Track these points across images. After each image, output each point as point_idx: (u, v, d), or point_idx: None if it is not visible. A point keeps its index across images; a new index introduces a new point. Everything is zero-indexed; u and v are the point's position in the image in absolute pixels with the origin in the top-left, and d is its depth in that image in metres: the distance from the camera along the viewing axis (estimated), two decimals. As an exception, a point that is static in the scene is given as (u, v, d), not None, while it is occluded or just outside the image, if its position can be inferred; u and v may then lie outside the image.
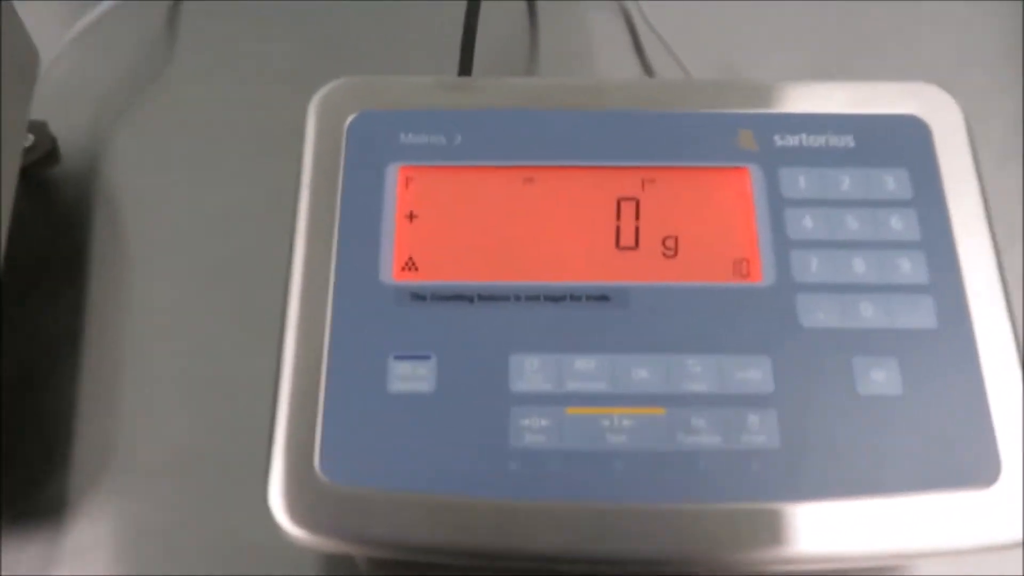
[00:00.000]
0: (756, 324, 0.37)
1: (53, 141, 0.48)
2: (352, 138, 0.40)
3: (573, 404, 0.36)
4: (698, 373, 0.36)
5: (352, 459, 0.35)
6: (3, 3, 0.40)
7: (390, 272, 0.38)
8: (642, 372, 0.36)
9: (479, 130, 0.40)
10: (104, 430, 0.43)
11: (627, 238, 0.39)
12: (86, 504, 0.42)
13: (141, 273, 0.47)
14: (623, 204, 0.39)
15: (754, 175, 0.39)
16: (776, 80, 0.42)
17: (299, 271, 0.38)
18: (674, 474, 0.35)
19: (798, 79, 0.42)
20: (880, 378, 0.36)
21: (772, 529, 0.34)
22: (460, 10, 0.48)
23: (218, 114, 0.52)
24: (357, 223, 0.38)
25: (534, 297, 0.37)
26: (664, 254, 0.38)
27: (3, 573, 0.40)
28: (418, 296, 0.37)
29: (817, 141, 0.40)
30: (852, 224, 0.39)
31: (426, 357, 0.36)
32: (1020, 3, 0.56)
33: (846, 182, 0.39)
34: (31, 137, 0.47)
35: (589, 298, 0.37)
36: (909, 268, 0.38)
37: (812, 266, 0.38)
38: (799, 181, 0.39)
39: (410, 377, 0.36)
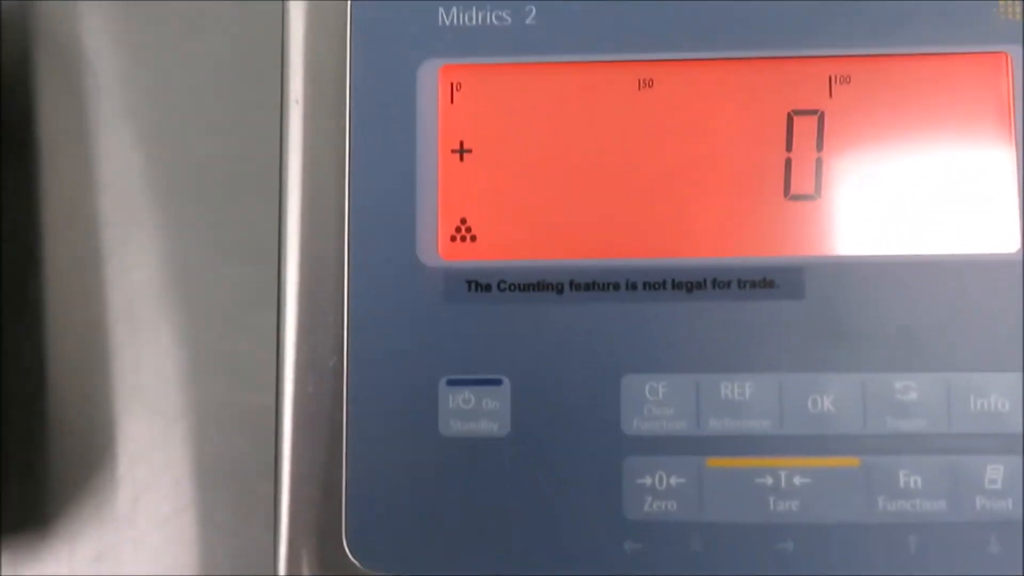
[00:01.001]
0: (1009, 320, 0.24)
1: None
2: (361, 22, 0.25)
3: (719, 452, 0.24)
4: (912, 403, 0.24)
5: (393, 537, 0.24)
6: None
7: (433, 246, 0.25)
8: (826, 402, 0.24)
9: (565, 4, 0.25)
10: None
11: (803, 181, 0.24)
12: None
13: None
14: (797, 121, 0.25)
15: (1018, 63, 0.24)
16: None
17: (294, 252, 0.25)
18: (873, 557, 0.23)
19: None
20: None
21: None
22: None
23: None
24: (376, 166, 0.25)
25: (656, 284, 0.24)
26: (862, 206, 0.24)
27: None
28: (478, 284, 0.24)
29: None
30: None
31: (495, 382, 0.24)
32: None
33: None
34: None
35: (743, 284, 0.24)
36: None
37: (1106, 225, 0.24)
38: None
39: (472, 413, 0.24)
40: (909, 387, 0.24)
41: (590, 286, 0.24)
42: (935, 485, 0.23)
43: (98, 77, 0.33)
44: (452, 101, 0.25)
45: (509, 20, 0.25)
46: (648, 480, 0.24)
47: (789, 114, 0.24)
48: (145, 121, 0.32)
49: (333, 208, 0.25)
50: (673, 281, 0.24)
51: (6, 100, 0.35)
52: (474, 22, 0.25)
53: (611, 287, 0.24)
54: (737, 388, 0.24)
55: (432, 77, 0.25)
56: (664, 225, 0.24)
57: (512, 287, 0.24)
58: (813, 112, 0.24)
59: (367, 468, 0.24)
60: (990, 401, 0.24)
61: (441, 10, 0.25)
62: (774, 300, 0.24)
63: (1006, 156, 0.24)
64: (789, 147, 0.24)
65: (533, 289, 0.24)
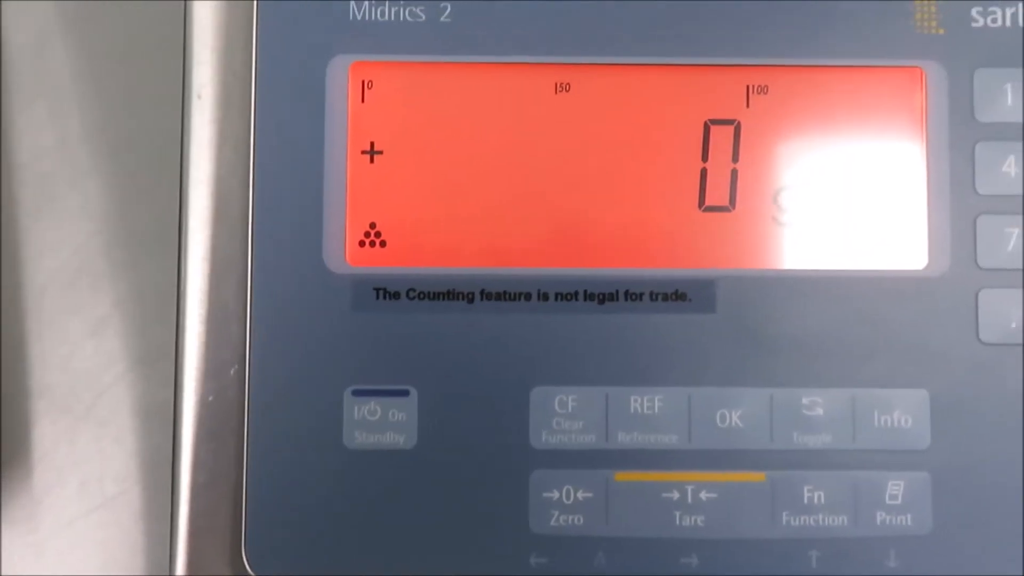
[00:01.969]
0: (915, 337, 0.24)
1: None
2: (269, 14, 0.24)
3: (627, 467, 0.24)
4: (818, 418, 0.24)
5: (293, 548, 0.23)
6: None
7: (341, 251, 0.24)
8: (734, 416, 0.24)
9: (481, 2, 0.24)
10: None
11: (718, 192, 0.24)
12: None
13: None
14: (714, 131, 0.24)
15: (932, 78, 0.24)
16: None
17: (196, 253, 0.24)
18: (776, 572, 0.23)
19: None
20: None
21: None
22: None
23: None
24: (281, 167, 0.24)
25: (568, 295, 0.24)
26: (776, 219, 0.24)
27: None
28: (387, 292, 0.24)
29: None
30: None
31: (402, 393, 0.24)
32: None
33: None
34: None
35: (655, 296, 0.24)
36: None
37: (1012, 245, 0.24)
38: (1005, 92, 0.24)
39: (377, 424, 0.24)
40: (816, 402, 0.24)
41: (501, 296, 0.24)
42: (838, 500, 0.24)
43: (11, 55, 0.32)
44: (363, 100, 0.24)
45: (423, 17, 0.24)
46: (555, 494, 0.24)
47: (706, 123, 0.24)
48: (58, 101, 0.31)
49: (237, 209, 0.24)
50: (585, 292, 0.24)
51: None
52: (387, 18, 0.24)
53: (523, 297, 0.24)
54: (647, 402, 0.24)
55: (342, 74, 0.24)
56: (577, 234, 0.24)
57: (422, 295, 0.24)
58: (730, 122, 0.24)
59: (268, 482, 0.23)
60: (893, 417, 0.24)
61: (353, 5, 0.24)
62: (686, 313, 0.24)
63: (917, 173, 0.24)
64: (705, 157, 0.24)
65: (443, 298, 0.24)
